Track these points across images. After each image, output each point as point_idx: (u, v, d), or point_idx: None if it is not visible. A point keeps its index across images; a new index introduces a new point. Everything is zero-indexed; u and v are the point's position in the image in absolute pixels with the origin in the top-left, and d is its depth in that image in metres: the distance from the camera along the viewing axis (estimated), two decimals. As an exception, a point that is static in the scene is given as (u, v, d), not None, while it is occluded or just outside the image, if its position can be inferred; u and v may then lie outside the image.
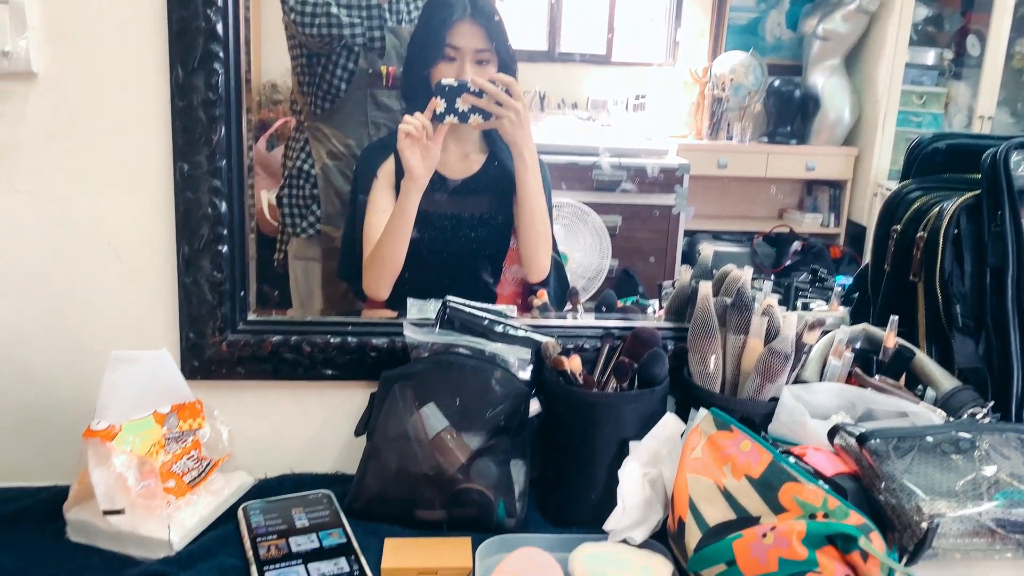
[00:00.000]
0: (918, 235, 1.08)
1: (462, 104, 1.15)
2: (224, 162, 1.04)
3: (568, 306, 1.32)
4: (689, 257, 1.81)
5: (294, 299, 1.36)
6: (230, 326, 1.10)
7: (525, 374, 1.04)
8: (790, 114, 2.18)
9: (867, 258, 1.23)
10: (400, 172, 1.20)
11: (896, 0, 2.10)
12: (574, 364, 1.03)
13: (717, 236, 2.05)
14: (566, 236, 1.55)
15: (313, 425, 1.16)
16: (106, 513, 0.92)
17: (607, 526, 0.95)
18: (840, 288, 1.31)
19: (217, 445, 1.05)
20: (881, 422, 0.96)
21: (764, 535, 0.78)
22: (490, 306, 1.12)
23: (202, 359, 1.10)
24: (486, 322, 1.08)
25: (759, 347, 1.01)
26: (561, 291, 1.34)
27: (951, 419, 0.94)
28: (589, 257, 1.56)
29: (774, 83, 2.17)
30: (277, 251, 1.36)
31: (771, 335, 1.01)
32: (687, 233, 1.82)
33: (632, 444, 1.00)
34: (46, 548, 0.94)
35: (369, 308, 1.28)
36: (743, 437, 0.88)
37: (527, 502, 1.04)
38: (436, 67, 1.21)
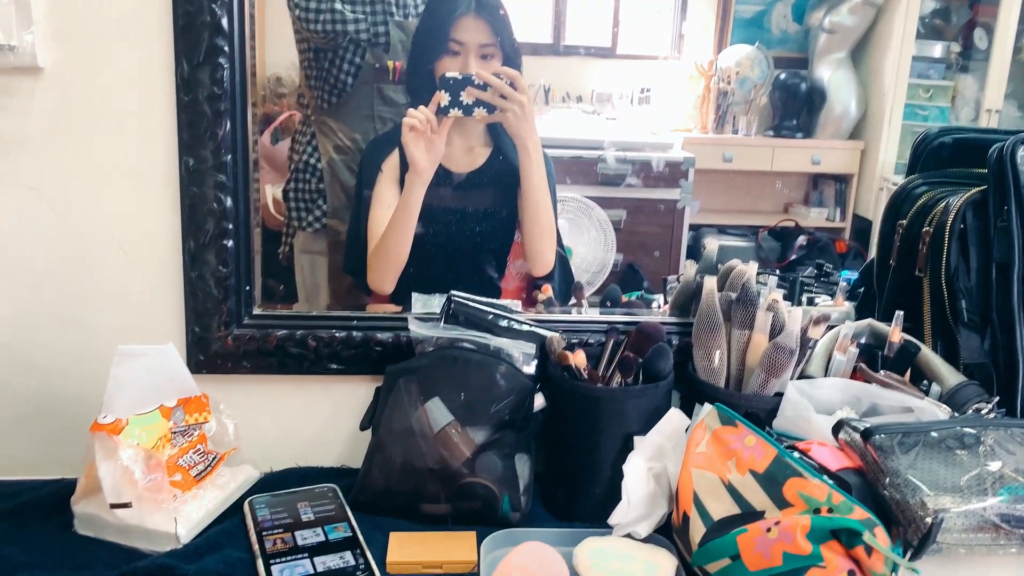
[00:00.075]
0: (924, 230, 1.08)
1: (466, 97, 1.15)
2: (229, 157, 1.05)
3: (573, 301, 1.32)
4: (694, 251, 1.80)
5: (300, 293, 1.36)
6: (235, 320, 1.10)
7: (530, 369, 1.04)
8: (796, 108, 2.17)
9: (873, 253, 1.22)
10: (404, 166, 1.20)
11: (903, -7, 2.08)
12: (579, 359, 1.03)
13: (722, 230, 2.04)
14: (570, 230, 1.55)
15: (318, 419, 1.17)
16: (113, 506, 0.93)
17: (612, 520, 0.95)
18: (845, 283, 1.31)
19: (223, 439, 1.05)
20: (886, 417, 0.96)
21: (768, 530, 0.79)
22: (495, 301, 1.12)
23: (208, 353, 1.11)
24: (491, 317, 1.08)
25: (764, 342, 1.01)
26: (566, 285, 1.34)
27: (956, 414, 0.94)
28: (594, 251, 1.56)
29: (780, 76, 2.15)
30: (283, 244, 1.36)
31: (776, 330, 1.01)
32: (692, 227, 1.81)
33: (636, 439, 1.00)
34: (54, 541, 0.95)
35: (374, 302, 1.28)
36: (748, 432, 0.88)
37: (532, 496, 1.04)
38: (440, 61, 1.21)
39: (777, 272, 1.34)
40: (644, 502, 0.96)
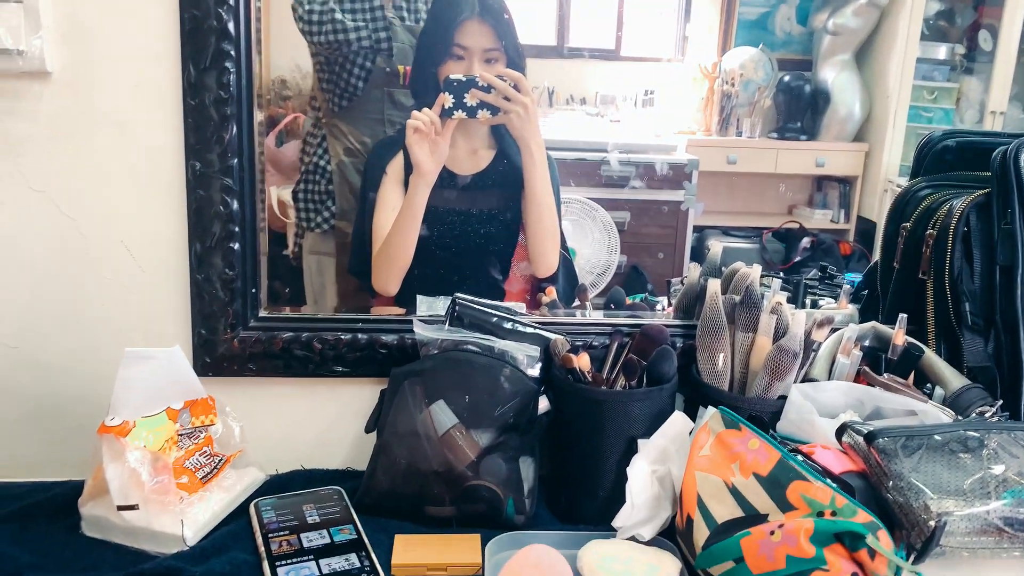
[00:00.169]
0: (927, 233, 1.08)
1: (470, 99, 1.16)
2: (236, 160, 1.05)
3: (577, 303, 1.33)
4: (698, 253, 1.80)
5: (308, 294, 1.37)
6: (242, 323, 1.11)
7: (534, 371, 1.04)
8: (800, 110, 2.17)
9: (877, 255, 1.22)
10: (409, 168, 1.21)
11: (907, -5, 2.08)
12: (583, 362, 1.03)
13: (726, 232, 2.04)
14: (574, 232, 1.55)
15: (324, 421, 1.17)
16: (120, 508, 0.93)
17: (616, 523, 0.96)
18: (849, 286, 1.30)
19: (229, 441, 1.06)
20: (889, 420, 0.96)
21: (772, 532, 0.79)
22: (499, 303, 1.12)
23: (214, 356, 1.11)
24: (495, 319, 1.08)
25: (768, 345, 1.01)
26: (570, 287, 1.34)
27: (959, 418, 0.94)
28: (597, 253, 1.56)
29: (784, 78, 2.15)
30: (293, 245, 1.37)
31: (780, 333, 1.01)
32: (696, 229, 1.81)
33: (641, 442, 1.00)
34: (61, 543, 0.96)
35: (379, 304, 1.29)
36: (751, 435, 0.88)
37: (536, 499, 1.05)
38: (444, 65, 1.22)
39: (781, 274, 1.34)
40: (648, 505, 0.96)
